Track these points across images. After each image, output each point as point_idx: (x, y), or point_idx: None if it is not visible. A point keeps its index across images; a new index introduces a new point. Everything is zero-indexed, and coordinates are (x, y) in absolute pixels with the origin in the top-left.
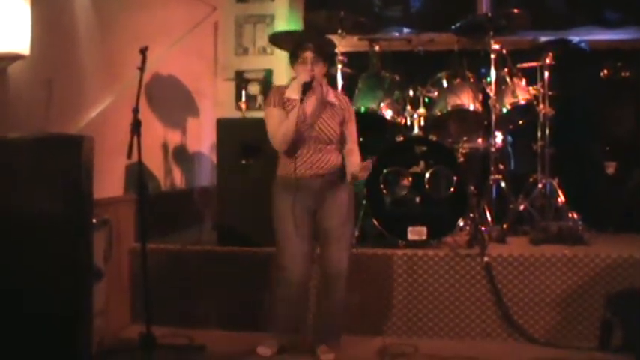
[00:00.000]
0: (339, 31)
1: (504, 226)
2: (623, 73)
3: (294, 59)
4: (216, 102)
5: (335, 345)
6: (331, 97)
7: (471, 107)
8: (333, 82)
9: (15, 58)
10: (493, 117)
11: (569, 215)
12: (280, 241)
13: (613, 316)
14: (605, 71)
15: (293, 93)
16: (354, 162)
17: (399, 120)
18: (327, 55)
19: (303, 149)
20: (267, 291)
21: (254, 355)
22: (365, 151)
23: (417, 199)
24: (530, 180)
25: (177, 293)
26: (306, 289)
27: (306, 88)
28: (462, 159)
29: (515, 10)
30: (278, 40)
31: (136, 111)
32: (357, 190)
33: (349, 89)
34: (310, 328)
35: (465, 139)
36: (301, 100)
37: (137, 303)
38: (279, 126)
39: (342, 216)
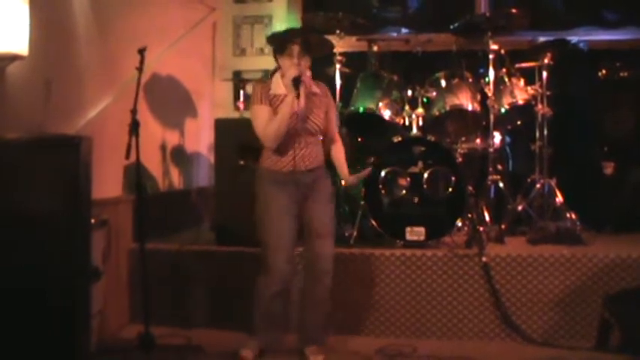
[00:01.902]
0: (337, 32)
1: (502, 226)
2: (621, 74)
3: (280, 52)
4: (214, 102)
5: (322, 345)
6: (314, 87)
7: (470, 107)
8: (331, 82)
9: (13, 58)
10: (491, 117)
11: (568, 215)
12: (271, 239)
13: (611, 316)
14: (604, 71)
15: (279, 88)
16: (342, 159)
17: (397, 120)
18: (312, 49)
19: (295, 143)
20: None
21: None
22: (363, 151)
23: (416, 200)
24: (529, 180)
25: (176, 293)
26: (290, 288)
27: (298, 83)
28: (460, 159)
29: (514, 10)
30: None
31: (134, 111)
32: (355, 191)
33: (347, 89)
34: (294, 327)
35: (463, 139)
36: (298, 95)
37: (135, 303)
38: (269, 122)
39: (329, 211)
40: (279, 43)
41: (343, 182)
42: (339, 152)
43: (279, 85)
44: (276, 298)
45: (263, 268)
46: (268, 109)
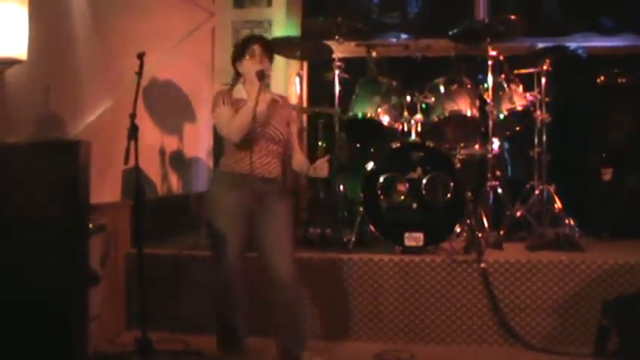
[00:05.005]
0: (337, 37)
1: (501, 232)
2: (619, 80)
3: (240, 56)
4: None
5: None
6: (275, 96)
7: (468, 113)
8: (330, 88)
9: (12, 62)
10: (490, 123)
11: (566, 221)
12: (216, 235)
13: (609, 322)
14: (602, 77)
15: (240, 94)
16: (303, 159)
17: (396, 126)
18: (272, 54)
19: (254, 148)
20: (263, 295)
21: None
22: (362, 156)
23: (414, 205)
24: (527, 186)
25: (174, 298)
26: (241, 287)
27: (262, 75)
28: (458, 165)
29: (513, 17)
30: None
31: (133, 116)
32: (353, 195)
33: (346, 95)
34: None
35: (462, 145)
36: (260, 79)
37: (133, 308)
38: (231, 119)
39: (281, 225)
40: (240, 47)
41: (310, 172)
42: (300, 158)
43: (240, 92)
44: (228, 287)
45: (212, 267)
46: (230, 109)
